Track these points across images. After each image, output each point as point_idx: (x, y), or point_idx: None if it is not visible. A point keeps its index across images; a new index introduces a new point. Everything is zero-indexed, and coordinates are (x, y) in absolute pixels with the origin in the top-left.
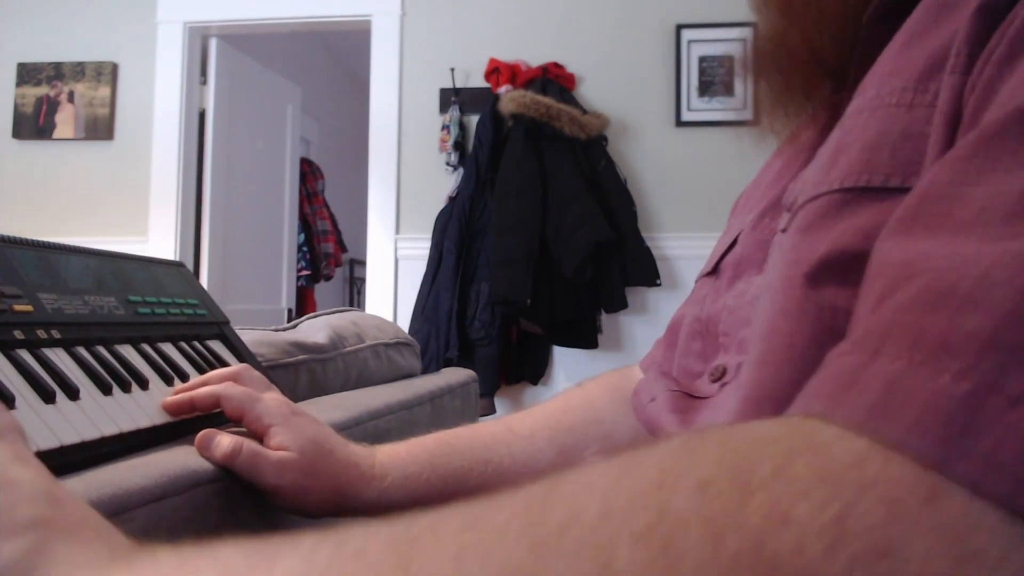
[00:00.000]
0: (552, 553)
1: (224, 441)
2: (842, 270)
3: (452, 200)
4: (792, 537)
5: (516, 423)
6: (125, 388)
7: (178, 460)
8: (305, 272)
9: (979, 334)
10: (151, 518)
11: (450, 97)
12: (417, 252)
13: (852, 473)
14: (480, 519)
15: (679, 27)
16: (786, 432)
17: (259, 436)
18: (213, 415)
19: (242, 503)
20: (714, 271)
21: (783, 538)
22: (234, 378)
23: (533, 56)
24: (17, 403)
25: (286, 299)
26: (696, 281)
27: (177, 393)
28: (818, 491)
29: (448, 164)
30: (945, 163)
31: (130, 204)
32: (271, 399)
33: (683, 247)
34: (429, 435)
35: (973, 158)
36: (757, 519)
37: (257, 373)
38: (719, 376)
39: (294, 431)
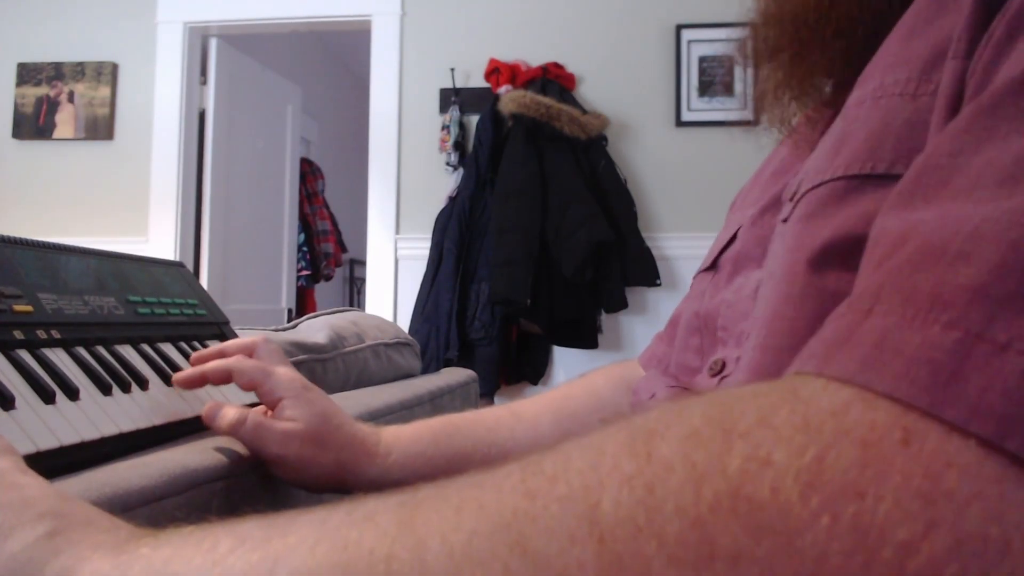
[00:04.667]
0: (543, 498)
1: (230, 412)
2: (845, 255)
3: (452, 200)
4: (769, 480)
5: (521, 408)
6: (125, 388)
7: (178, 460)
8: (305, 272)
9: (968, 286)
10: (151, 518)
11: (450, 97)
12: (417, 252)
13: (832, 419)
14: (482, 479)
15: (679, 27)
16: (775, 387)
17: (271, 408)
18: None
19: (243, 503)
20: (713, 266)
21: (761, 481)
22: (251, 348)
23: (533, 56)
24: (17, 403)
25: (286, 299)
26: (694, 277)
27: (194, 363)
28: (798, 437)
29: (448, 164)
30: (943, 136)
31: (130, 204)
32: (283, 373)
33: (683, 247)
34: (434, 417)
35: (970, 129)
36: (737, 463)
37: (274, 345)
38: (718, 370)
39: (304, 404)
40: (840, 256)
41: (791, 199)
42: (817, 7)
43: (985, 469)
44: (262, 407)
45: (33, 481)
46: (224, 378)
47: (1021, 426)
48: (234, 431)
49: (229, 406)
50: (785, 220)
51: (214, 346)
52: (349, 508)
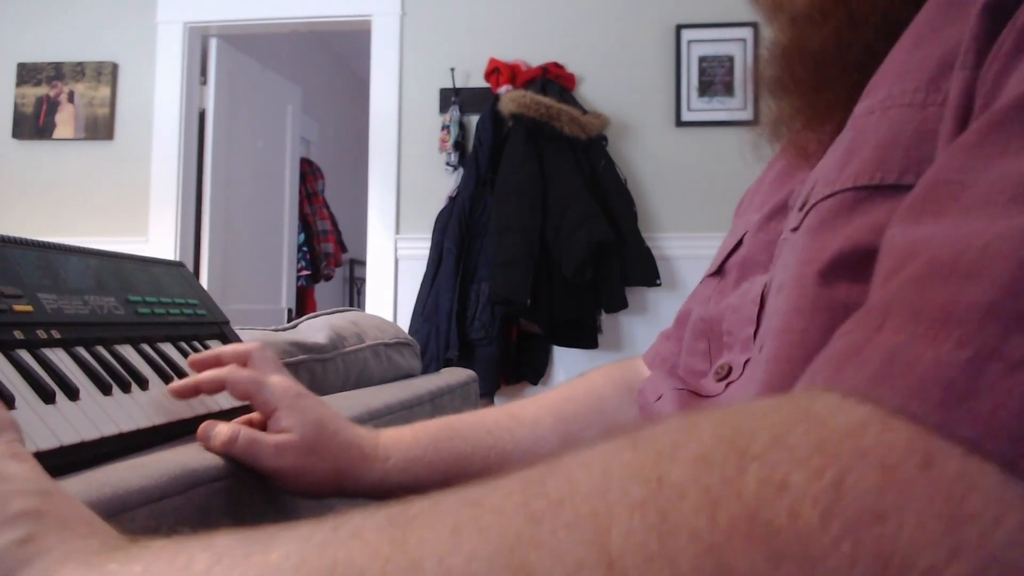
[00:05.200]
0: (550, 523)
1: (222, 430)
2: (855, 266)
3: (452, 200)
4: (787, 504)
5: (520, 410)
6: (125, 388)
7: (178, 460)
8: (305, 272)
9: (980, 303)
10: (151, 518)
11: (450, 97)
12: (417, 252)
13: (849, 440)
14: (479, 497)
15: (679, 27)
16: (786, 404)
17: (266, 418)
18: (212, 413)
19: (243, 503)
20: (719, 271)
21: (778, 505)
22: (246, 356)
23: (533, 56)
24: (17, 403)
25: (286, 299)
26: (701, 282)
27: (191, 366)
28: (815, 458)
29: (448, 164)
30: (953, 150)
31: (130, 204)
32: (277, 382)
33: (683, 247)
34: (433, 420)
35: (981, 143)
36: (753, 486)
37: (270, 352)
38: (724, 375)
39: (298, 413)
40: (850, 268)
41: (800, 208)
42: (837, 43)
43: (1008, 493)
44: (255, 414)
45: (19, 469)
46: (217, 388)
47: None
48: (227, 449)
49: (222, 424)
50: (795, 230)
51: (210, 351)
52: (335, 524)
